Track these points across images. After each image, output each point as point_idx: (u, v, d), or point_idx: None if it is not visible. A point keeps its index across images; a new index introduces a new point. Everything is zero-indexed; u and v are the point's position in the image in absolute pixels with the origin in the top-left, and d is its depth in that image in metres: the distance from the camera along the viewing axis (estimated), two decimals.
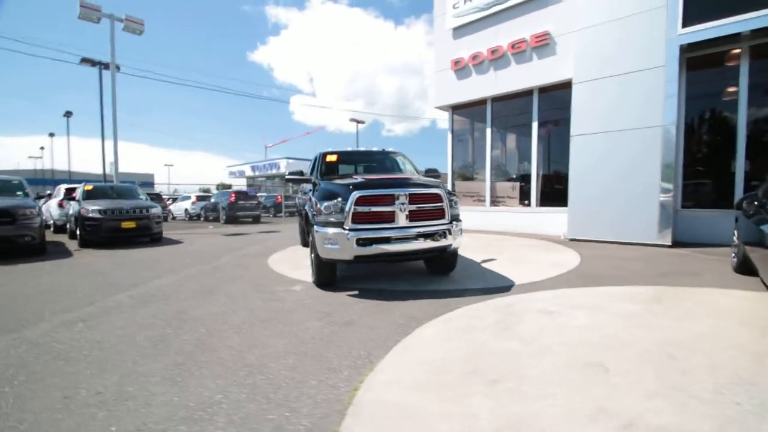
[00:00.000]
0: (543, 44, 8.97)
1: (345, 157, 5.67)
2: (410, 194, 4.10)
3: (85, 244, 8.58)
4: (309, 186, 5.49)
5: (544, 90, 9.39)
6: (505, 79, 9.77)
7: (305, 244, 7.85)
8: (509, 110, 10.43)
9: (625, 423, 1.76)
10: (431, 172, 5.77)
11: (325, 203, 4.11)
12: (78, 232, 8.73)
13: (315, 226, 4.22)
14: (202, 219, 20.17)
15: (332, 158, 5.52)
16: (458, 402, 1.99)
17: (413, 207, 4.11)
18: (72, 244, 8.89)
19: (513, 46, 9.43)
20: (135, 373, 2.39)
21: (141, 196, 10.67)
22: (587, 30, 7.76)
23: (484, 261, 5.85)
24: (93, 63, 20.67)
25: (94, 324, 3.35)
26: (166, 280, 5.11)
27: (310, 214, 4.49)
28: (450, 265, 4.87)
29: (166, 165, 48.66)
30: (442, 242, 4.26)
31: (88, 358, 2.64)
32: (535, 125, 9.57)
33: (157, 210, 9.63)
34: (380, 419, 1.87)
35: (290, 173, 5.46)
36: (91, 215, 8.45)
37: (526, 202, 9.83)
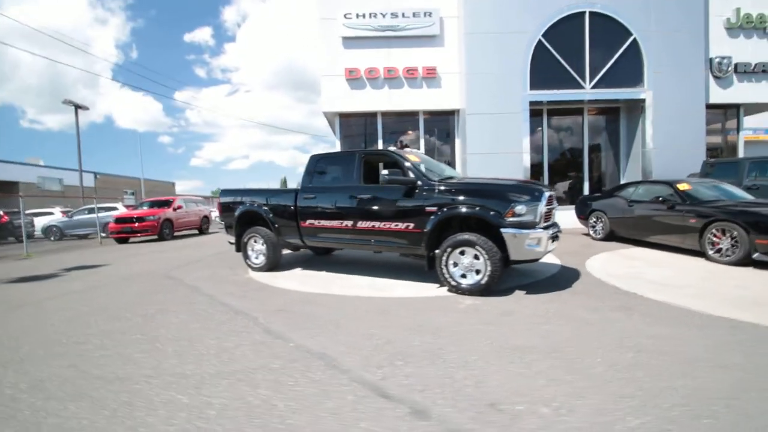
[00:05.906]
0: (432, 77, 10.95)
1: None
2: (550, 195, 4.79)
3: None
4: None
5: (427, 113, 11.42)
6: (398, 98, 11.08)
7: (274, 265, 6.18)
8: (397, 123, 11.80)
9: None
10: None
11: (519, 205, 4.16)
12: None
13: (504, 228, 4.14)
14: None
15: (417, 159, 5.11)
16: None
17: (548, 207, 4.82)
18: None
19: (408, 71, 10.90)
20: None
21: None
22: (474, 75, 10.37)
23: None
24: None
25: None
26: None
27: (488, 216, 4.21)
28: None
29: None
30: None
31: None
32: (422, 141, 11.46)
33: None
34: None
35: (391, 173, 4.66)
36: None
37: None
